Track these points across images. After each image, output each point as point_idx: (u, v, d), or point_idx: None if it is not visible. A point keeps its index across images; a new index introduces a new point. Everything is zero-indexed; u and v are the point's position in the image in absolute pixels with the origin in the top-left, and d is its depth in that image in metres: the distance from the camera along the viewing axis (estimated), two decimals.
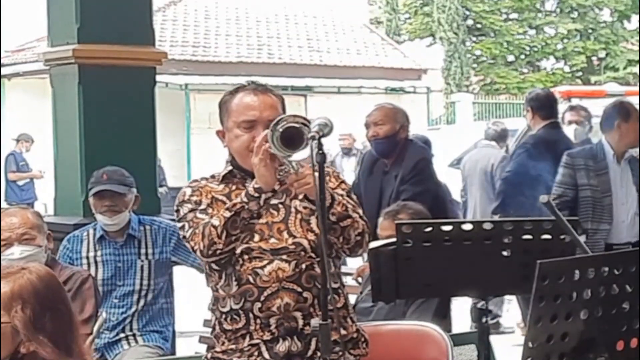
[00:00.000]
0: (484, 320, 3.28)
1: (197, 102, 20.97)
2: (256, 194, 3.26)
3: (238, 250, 3.28)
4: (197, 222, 3.29)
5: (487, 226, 3.23)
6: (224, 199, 3.35)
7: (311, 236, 3.29)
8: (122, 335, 4.91)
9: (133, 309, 4.93)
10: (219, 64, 21.93)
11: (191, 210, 3.33)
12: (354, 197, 3.45)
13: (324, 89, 23.16)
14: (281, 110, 3.35)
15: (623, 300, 2.39)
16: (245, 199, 3.26)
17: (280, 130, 3.13)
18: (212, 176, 3.45)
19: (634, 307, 2.41)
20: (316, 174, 3.04)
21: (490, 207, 7.63)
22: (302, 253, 3.28)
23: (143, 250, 4.99)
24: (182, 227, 3.35)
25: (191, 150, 20.63)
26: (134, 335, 4.93)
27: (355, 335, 3.40)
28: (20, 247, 4.16)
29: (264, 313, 3.27)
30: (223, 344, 3.36)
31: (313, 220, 3.30)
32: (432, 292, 3.54)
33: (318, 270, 3.24)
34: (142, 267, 4.97)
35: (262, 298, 3.26)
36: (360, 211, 3.38)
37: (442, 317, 4.57)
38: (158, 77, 6.04)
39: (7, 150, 16.17)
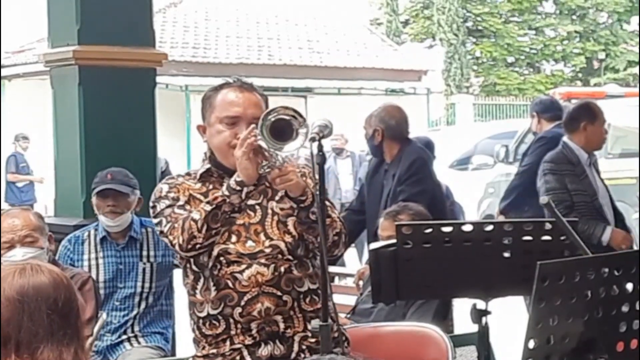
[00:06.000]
0: (484, 321, 3.27)
1: (198, 103, 20.84)
2: (238, 187, 3.22)
3: (215, 252, 3.26)
4: (176, 217, 3.26)
5: (488, 227, 3.24)
6: (202, 197, 3.32)
7: (288, 238, 3.29)
8: (124, 337, 4.90)
9: (135, 312, 4.92)
10: (219, 65, 21.90)
11: (169, 206, 3.30)
12: (329, 199, 3.44)
13: (324, 90, 23.16)
14: (264, 109, 3.28)
15: (623, 301, 2.40)
16: (226, 192, 3.22)
17: (272, 119, 3.11)
18: (188, 173, 3.42)
19: (633, 308, 2.41)
20: (315, 175, 3.05)
21: None
22: (279, 256, 3.26)
23: (145, 253, 4.98)
24: (159, 223, 3.30)
25: (191, 151, 20.61)
26: (135, 336, 4.92)
27: (336, 334, 3.36)
28: (22, 249, 4.15)
29: (244, 318, 3.25)
30: (204, 348, 3.34)
31: (290, 221, 3.29)
32: (432, 293, 3.54)
33: (296, 273, 3.27)
34: (144, 269, 4.95)
35: (243, 303, 3.24)
36: (337, 212, 3.40)
37: (442, 318, 4.58)
38: (158, 79, 6.03)
39: (7, 151, 16.13)
